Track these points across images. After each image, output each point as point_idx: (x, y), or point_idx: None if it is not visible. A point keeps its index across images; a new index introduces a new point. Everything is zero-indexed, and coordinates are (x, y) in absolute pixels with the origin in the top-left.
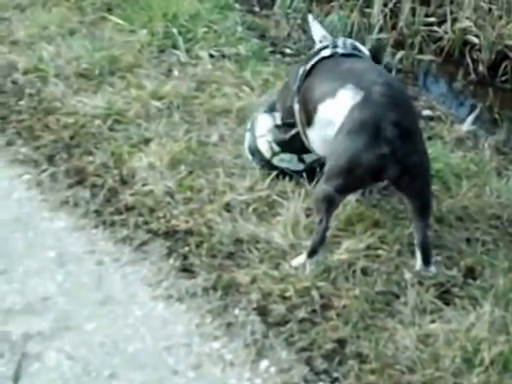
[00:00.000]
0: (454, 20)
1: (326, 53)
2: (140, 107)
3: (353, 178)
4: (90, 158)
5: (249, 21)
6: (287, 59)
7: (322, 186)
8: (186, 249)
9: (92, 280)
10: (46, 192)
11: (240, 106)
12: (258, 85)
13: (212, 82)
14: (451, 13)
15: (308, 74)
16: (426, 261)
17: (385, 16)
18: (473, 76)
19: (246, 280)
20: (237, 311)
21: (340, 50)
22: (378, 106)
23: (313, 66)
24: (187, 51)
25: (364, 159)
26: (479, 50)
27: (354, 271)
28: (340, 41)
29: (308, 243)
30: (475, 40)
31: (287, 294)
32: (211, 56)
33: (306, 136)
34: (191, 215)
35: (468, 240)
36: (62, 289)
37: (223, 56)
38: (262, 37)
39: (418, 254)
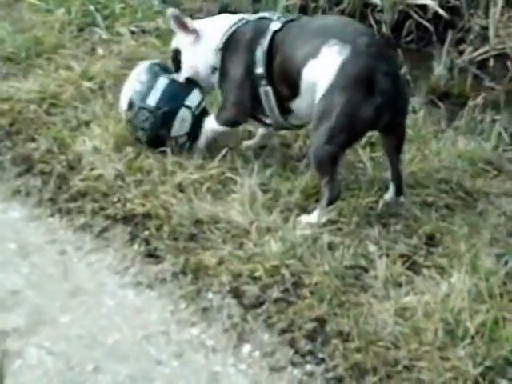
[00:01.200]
0: None
1: (276, 26)
2: (73, 89)
3: (355, 132)
4: (34, 145)
5: None
6: None
7: (325, 147)
8: (147, 233)
9: (58, 271)
10: None
11: None
12: None
13: (138, 58)
14: None
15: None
16: (400, 191)
17: None
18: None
19: (213, 262)
20: (210, 295)
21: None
22: (368, 57)
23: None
24: (107, 28)
25: (365, 113)
26: (381, 11)
27: (321, 246)
28: (267, 13)
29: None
30: (376, 1)
31: (257, 274)
32: (132, 32)
33: (287, 111)
34: (145, 198)
35: (422, 206)
36: (30, 281)
37: (143, 31)
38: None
39: (392, 187)
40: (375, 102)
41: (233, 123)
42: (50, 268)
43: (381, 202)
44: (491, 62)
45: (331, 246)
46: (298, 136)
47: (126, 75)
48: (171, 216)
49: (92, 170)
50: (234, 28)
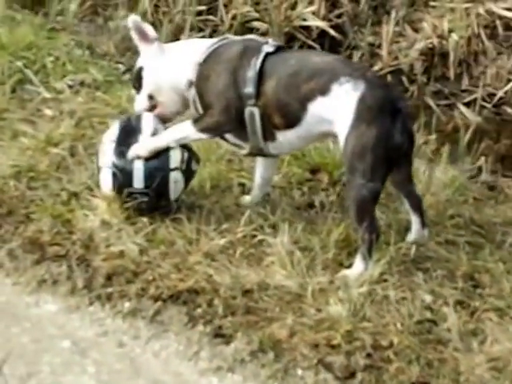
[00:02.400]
0: (227, 6)
1: (270, 48)
2: (45, 158)
3: (391, 161)
4: (34, 227)
5: (81, 40)
6: None
7: (369, 185)
8: (200, 310)
9: (126, 365)
10: (13, 273)
11: None
12: None
13: (92, 116)
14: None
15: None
16: (424, 223)
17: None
18: None
19: (285, 334)
20: (300, 371)
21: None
22: (382, 88)
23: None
24: (42, 84)
25: (396, 140)
26: (264, 34)
27: (381, 303)
28: (253, 36)
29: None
30: (260, 25)
31: (335, 342)
32: (70, 86)
33: (271, 139)
34: (180, 271)
35: (446, 246)
36: (101, 381)
37: (81, 84)
38: (104, 56)
39: (415, 221)
40: (400, 128)
41: (214, 130)
42: (115, 363)
43: (413, 248)
44: (388, 78)
45: (389, 301)
46: (291, 183)
47: (89, 137)
48: (217, 288)
49: (109, 246)
50: (217, 44)
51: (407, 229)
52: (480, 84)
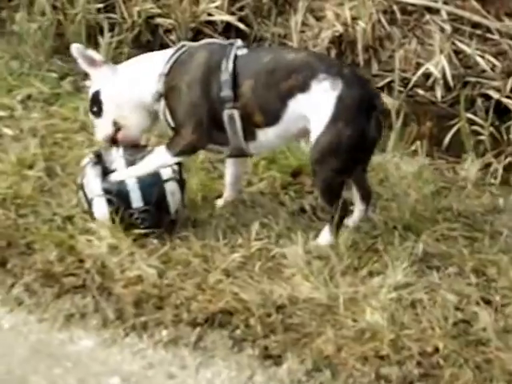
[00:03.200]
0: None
1: (242, 51)
2: (26, 182)
3: (364, 155)
4: (40, 257)
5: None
6: None
7: (336, 179)
8: (239, 332)
9: None
10: (35, 310)
11: None
12: None
13: (54, 132)
14: None
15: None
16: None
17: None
18: None
19: (331, 349)
20: None
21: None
22: (360, 87)
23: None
24: None
25: (371, 136)
26: (169, 31)
27: (412, 307)
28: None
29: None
30: (163, 21)
31: (384, 353)
32: (21, 102)
33: (251, 138)
34: (204, 292)
35: (445, 242)
36: None
37: (29, 98)
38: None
39: (361, 209)
40: (374, 125)
41: (190, 152)
42: None
43: (420, 246)
44: None
45: (420, 305)
46: (275, 187)
47: (60, 155)
48: (248, 307)
49: (124, 271)
50: (178, 53)
51: (407, 227)
52: (390, 68)
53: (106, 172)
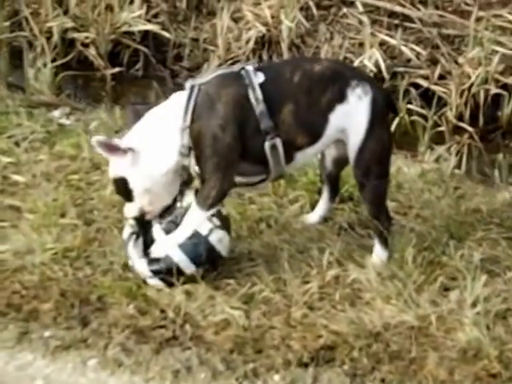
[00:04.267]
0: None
1: (260, 78)
2: (65, 233)
3: None
4: (120, 312)
5: None
6: None
7: (384, 181)
8: (347, 367)
9: None
10: (138, 369)
11: None
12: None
13: (67, 174)
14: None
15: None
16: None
17: None
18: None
19: (444, 373)
20: None
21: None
22: (382, 89)
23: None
24: None
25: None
26: (86, 46)
27: (501, 317)
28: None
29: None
30: (78, 35)
31: (494, 371)
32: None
33: (290, 160)
34: (295, 328)
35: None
36: None
37: (24, 139)
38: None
39: (328, 204)
40: None
41: (222, 198)
42: None
43: (476, 254)
44: None
45: (505, 316)
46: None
47: (85, 198)
48: (346, 339)
49: (206, 317)
50: (193, 97)
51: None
52: None
53: (146, 243)
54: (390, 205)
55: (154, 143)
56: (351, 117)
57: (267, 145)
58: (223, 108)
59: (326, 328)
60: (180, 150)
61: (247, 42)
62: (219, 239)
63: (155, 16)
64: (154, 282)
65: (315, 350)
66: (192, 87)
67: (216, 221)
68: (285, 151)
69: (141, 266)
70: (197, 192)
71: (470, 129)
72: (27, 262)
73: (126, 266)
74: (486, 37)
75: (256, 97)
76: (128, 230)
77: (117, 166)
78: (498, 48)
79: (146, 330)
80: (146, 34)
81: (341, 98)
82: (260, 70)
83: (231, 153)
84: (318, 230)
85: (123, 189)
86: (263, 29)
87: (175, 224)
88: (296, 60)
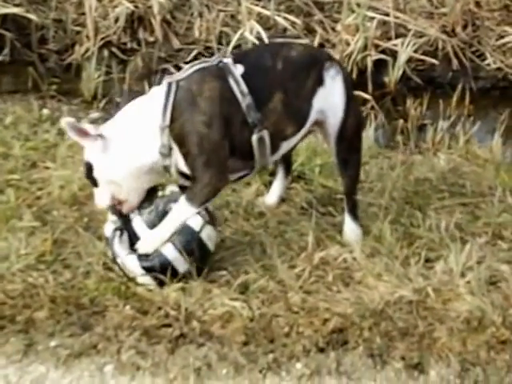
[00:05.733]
0: None
1: (240, 70)
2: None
3: None
4: (120, 315)
5: None
6: None
7: (360, 157)
8: (362, 348)
9: None
10: (157, 371)
11: None
12: None
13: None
14: None
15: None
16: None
17: None
18: None
19: (458, 345)
20: None
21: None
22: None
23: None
24: None
25: None
26: None
27: (491, 284)
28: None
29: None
30: None
31: (504, 338)
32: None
33: (276, 150)
34: (298, 314)
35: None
36: None
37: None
38: None
39: (283, 183)
40: None
41: (214, 196)
42: None
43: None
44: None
45: (494, 281)
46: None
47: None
48: (353, 321)
49: (206, 311)
50: (172, 94)
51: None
52: (191, 41)
53: (130, 236)
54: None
55: (129, 137)
56: (329, 98)
57: (255, 138)
58: (206, 103)
59: (329, 311)
60: (160, 150)
61: (116, 20)
62: (209, 236)
63: None
64: (145, 280)
65: (328, 334)
66: (169, 84)
67: (206, 216)
68: (272, 142)
69: (131, 263)
70: (180, 187)
71: (368, 97)
72: (4, 271)
73: (106, 266)
74: (360, 2)
75: (241, 90)
76: (110, 226)
77: (87, 151)
78: (372, 14)
79: (153, 330)
80: (4, 17)
81: (320, 81)
82: (238, 62)
83: (220, 149)
84: (285, 212)
85: (88, 174)
86: (130, 5)
87: (157, 215)
88: (270, 46)
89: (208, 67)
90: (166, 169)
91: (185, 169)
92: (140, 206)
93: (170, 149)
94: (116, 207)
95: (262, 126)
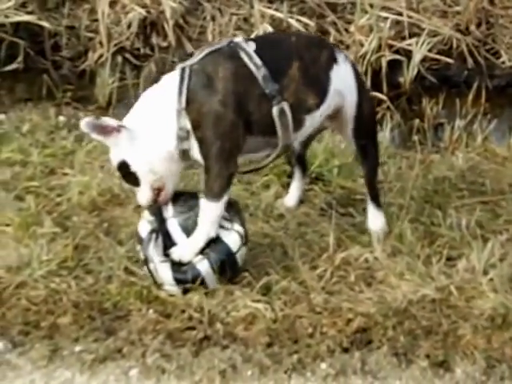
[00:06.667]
0: None
1: (252, 47)
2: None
3: None
4: (143, 319)
5: None
6: None
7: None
8: (386, 348)
9: None
10: (182, 374)
11: None
12: None
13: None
14: None
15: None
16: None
17: None
18: None
19: (483, 342)
20: None
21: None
22: None
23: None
24: None
25: None
26: None
27: None
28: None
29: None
30: None
31: None
32: None
33: (300, 126)
34: (322, 314)
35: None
36: None
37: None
38: None
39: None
40: None
41: (230, 183)
42: None
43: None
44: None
45: None
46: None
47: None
48: (376, 320)
49: (229, 313)
50: (186, 77)
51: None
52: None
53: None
54: (359, 182)
55: (151, 123)
56: (344, 78)
57: (275, 110)
58: (222, 83)
59: (352, 311)
60: (178, 133)
61: (129, 26)
62: (242, 256)
63: (23, 5)
64: (172, 289)
65: (352, 334)
66: (183, 69)
67: (244, 236)
68: (293, 117)
69: (164, 272)
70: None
71: (383, 97)
72: (26, 277)
73: (128, 271)
74: (373, 3)
75: (255, 62)
76: (146, 226)
77: (115, 151)
78: (386, 14)
79: (177, 333)
80: (17, 26)
81: (333, 58)
82: (249, 41)
83: (235, 130)
84: (304, 214)
85: (127, 173)
86: (143, 11)
87: (194, 222)
88: (276, 34)
89: (219, 49)
90: (186, 153)
91: (199, 157)
92: (177, 209)
93: (188, 132)
94: (155, 203)
95: (281, 97)
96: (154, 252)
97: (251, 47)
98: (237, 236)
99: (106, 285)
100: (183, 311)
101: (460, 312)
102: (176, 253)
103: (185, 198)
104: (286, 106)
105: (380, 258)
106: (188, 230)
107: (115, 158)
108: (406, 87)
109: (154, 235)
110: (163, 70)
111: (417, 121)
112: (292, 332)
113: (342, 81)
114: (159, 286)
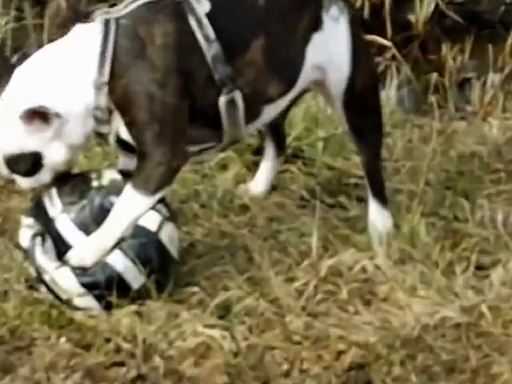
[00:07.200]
0: None
1: (206, 6)
2: None
3: None
4: (58, 348)
5: None
6: None
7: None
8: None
9: None
10: None
11: None
12: None
13: None
14: None
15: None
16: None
17: None
18: None
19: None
20: None
21: None
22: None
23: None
24: None
25: None
26: None
27: None
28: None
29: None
30: None
31: None
32: None
33: (254, 118)
34: (302, 345)
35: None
36: None
37: None
38: None
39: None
40: None
41: (171, 178)
42: None
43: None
44: None
45: None
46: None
47: None
48: (378, 353)
49: (172, 342)
50: (111, 38)
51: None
52: None
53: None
54: (353, 160)
55: (66, 102)
56: (329, 47)
57: (222, 100)
58: (159, 54)
59: (343, 340)
60: (94, 113)
61: None
62: (170, 237)
63: None
64: (85, 301)
65: (344, 372)
66: (107, 23)
67: (163, 210)
68: (248, 107)
69: (65, 280)
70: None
71: (386, 43)
72: None
73: (30, 284)
74: None
75: (205, 34)
76: (27, 233)
77: (24, 139)
78: None
79: (99, 371)
80: None
81: (316, 23)
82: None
83: (178, 116)
84: (277, 205)
85: (29, 165)
86: None
87: (91, 212)
88: None
89: (159, 1)
90: (103, 137)
91: (129, 138)
92: (65, 200)
93: (110, 113)
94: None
95: (233, 85)
96: (43, 259)
97: (204, 7)
98: (152, 212)
99: (0, 303)
100: (108, 340)
101: (495, 342)
102: (74, 257)
103: (72, 185)
104: (237, 95)
105: (383, 267)
106: (85, 225)
107: (18, 147)
108: (418, 29)
109: (38, 239)
110: (76, 5)
111: (434, 75)
112: (260, 369)
113: (326, 50)
114: (68, 302)
